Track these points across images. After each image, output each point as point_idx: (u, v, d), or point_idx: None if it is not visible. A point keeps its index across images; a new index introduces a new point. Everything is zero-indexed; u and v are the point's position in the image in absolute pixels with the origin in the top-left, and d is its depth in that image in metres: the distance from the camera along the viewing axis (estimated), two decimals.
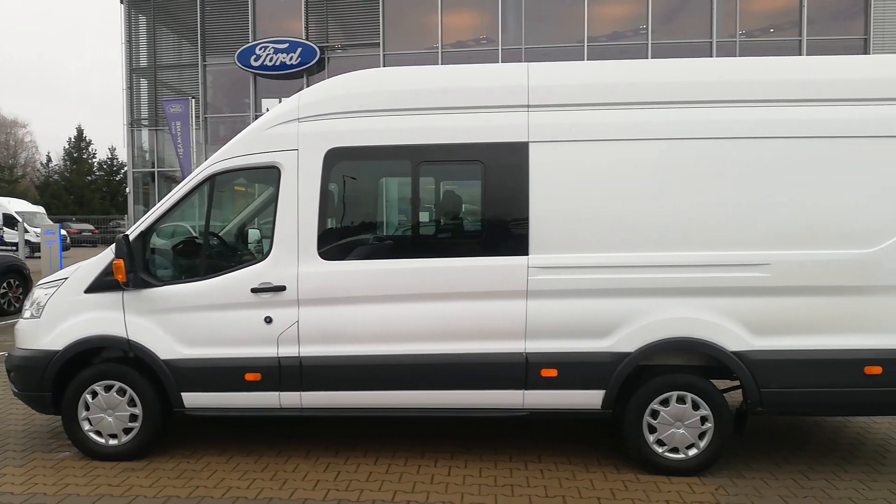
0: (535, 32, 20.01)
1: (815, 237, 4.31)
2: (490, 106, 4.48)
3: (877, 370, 4.29)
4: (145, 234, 4.70)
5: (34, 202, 35.49)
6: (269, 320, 4.53)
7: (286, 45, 21.78)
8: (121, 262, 4.45)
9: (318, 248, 4.52)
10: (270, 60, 21.98)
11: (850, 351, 4.30)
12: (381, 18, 21.22)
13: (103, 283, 4.67)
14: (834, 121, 4.31)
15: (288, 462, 4.69)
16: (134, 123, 24.68)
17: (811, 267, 4.30)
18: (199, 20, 23.14)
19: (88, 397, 4.69)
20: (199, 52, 23.44)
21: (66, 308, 4.72)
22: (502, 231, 4.48)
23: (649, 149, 4.37)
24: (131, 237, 4.61)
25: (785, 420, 5.58)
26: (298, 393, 4.57)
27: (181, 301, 4.61)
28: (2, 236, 18.70)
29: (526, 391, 4.47)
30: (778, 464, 4.66)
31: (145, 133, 25.06)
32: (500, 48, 20.12)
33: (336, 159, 4.54)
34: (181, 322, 4.60)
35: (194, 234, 5.45)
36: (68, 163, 51.74)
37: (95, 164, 52.48)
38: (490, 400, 4.53)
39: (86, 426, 4.72)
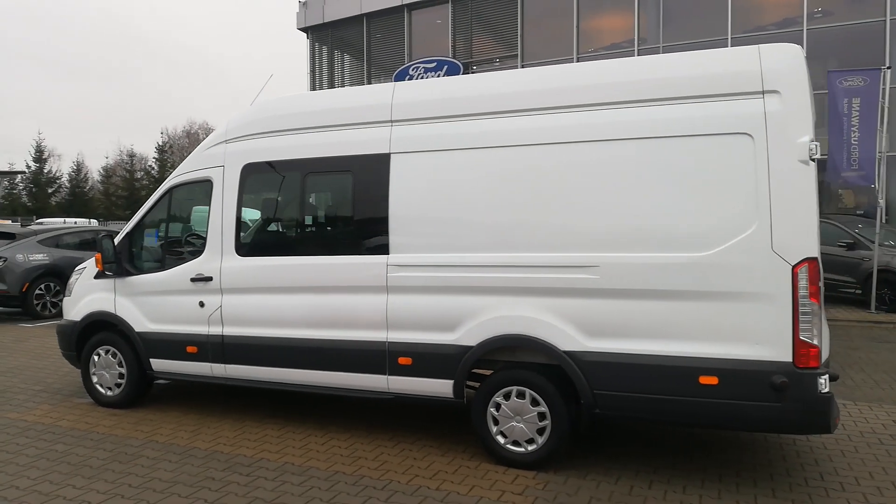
0: (674, 31, 19.03)
1: (646, 240, 4.24)
2: (362, 123, 5.10)
3: (712, 380, 4.08)
4: (131, 234, 6.10)
5: None
6: (202, 304, 5.61)
7: (433, 64, 23.29)
8: (99, 255, 5.89)
9: (236, 246, 5.51)
10: (421, 79, 23.72)
11: (684, 358, 4.15)
12: (519, 30, 21.81)
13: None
14: (664, 120, 4.21)
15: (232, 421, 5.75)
16: None
17: (642, 270, 4.23)
18: (365, 46, 25.77)
19: (95, 357, 6.20)
20: (365, 74, 26.10)
21: (84, 289, 6.29)
22: (369, 232, 5.07)
23: (486, 156, 4.65)
24: (118, 238, 6.04)
25: (707, 433, 5.28)
26: (224, 365, 5.59)
27: (150, 287, 5.91)
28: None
29: (389, 377, 4.99)
30: (637, 471, 4.57)
31: None
32: (635, 49, 19.53)
33: (249, 173, 5.50)
34: (149, 303, 5.90)
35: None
36: None
37: None
38: (362, 383, 5.12)
39: (94, 379, 6.23)
